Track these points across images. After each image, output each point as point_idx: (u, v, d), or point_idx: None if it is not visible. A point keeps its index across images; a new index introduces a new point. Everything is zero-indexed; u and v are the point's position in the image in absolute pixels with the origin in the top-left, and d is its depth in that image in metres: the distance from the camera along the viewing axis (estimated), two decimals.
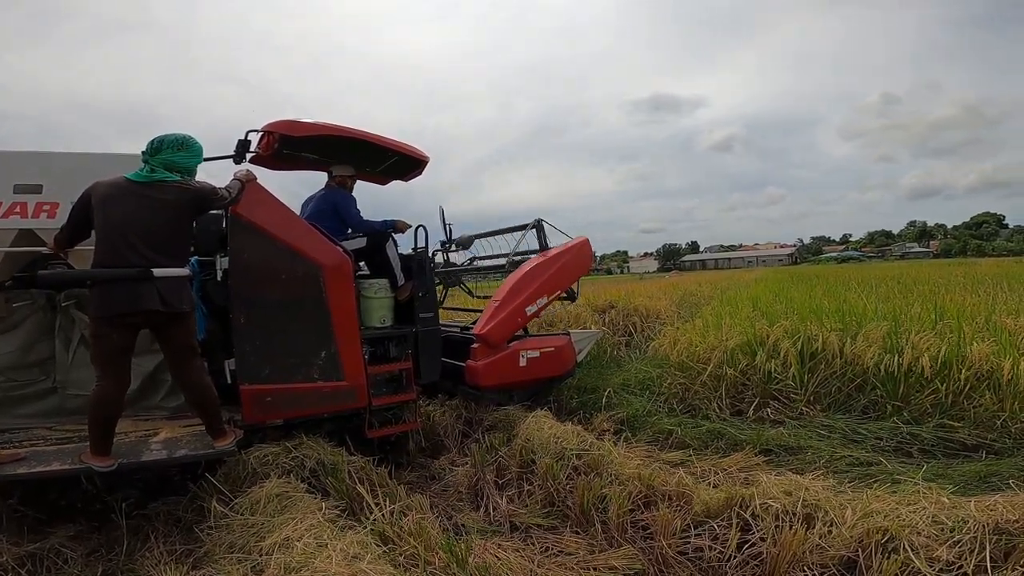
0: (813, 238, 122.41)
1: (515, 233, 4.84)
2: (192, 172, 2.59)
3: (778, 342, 4.35)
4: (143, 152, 2.47)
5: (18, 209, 2.71)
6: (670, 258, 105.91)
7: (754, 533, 2.27)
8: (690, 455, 3.49)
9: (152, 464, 2.55)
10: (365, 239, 3.81)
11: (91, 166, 2.72)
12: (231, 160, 3.34)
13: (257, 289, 2.90)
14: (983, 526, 2.00)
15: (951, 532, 2.02)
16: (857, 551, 2.06)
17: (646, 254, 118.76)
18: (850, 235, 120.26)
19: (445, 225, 3.96)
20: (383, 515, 2.46)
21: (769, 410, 3.99)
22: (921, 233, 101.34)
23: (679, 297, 10.29)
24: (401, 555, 2.16)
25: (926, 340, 3.90)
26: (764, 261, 79.81)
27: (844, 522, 2.16)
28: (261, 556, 2.00)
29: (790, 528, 2.19)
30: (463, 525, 2.80)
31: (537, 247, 4.66)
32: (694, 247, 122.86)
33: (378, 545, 2.13)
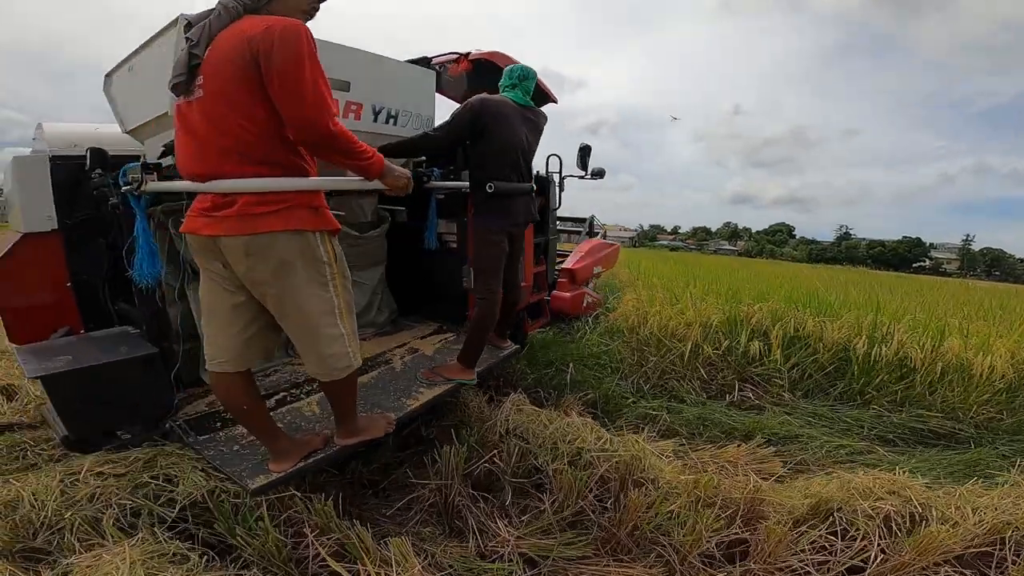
0: (651, 226, 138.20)
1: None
2: None
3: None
4: (510, 78, 2.60)
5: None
6: None
7: (860, 540, 1.79)
8: (682, 444, 3.01)
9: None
10: None
11: (388, 70, 2.51)
12: None
13: None
14: None
15: None
16: (990, 547, 1.72)
17: None
18: (679, 227, 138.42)
19: (585, 159, 4.34)
20: None
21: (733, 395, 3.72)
22: (732, 233, 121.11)
23: None
24: None
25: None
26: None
27: (965, 519, 1.81)
28: None
29: (906, 533, 1.76)
30: (452, 565, 1.87)
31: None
32: None
33: None
